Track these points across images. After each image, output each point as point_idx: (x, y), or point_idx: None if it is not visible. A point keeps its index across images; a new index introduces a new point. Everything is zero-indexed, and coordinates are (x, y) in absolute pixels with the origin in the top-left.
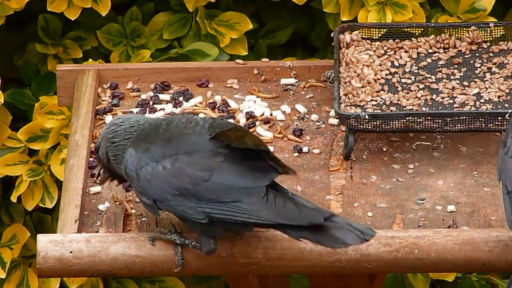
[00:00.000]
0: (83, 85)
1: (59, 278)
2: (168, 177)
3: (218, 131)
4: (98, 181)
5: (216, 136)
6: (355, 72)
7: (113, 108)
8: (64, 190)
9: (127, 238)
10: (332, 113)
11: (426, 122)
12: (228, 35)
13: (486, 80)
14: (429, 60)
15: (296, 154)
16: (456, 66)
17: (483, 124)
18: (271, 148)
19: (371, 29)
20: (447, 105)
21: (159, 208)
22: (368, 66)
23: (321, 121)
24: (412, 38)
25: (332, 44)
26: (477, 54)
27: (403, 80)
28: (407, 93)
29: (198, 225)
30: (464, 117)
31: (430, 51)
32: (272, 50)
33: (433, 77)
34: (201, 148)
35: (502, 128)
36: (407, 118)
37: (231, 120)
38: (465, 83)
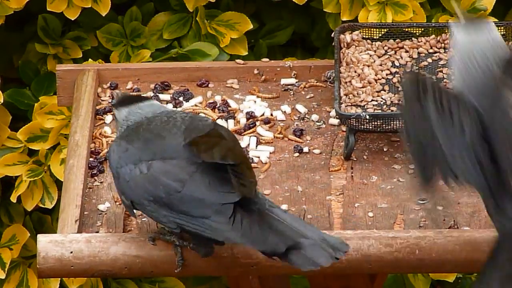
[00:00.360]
0: (83, 85)
1: (59, 279)
2: (144, 182)
3: (192, 137)
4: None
5: (189, 144)
6: (355, 72)
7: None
8: (64, 190)
9: (127, 239)
10: (333, 113)
11: None
12: (228, 35)
13: None
14: (429, 60)
15: (297, 154)
16: None
17: None
18: (271, 148)
19: (372, 29)
20: None
21: (136, 209)
22: (368, 66)
23: (322, 121)
24: (413, 38)
25: (333, 44)
26: None
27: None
28: None
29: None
30: None
31: (431, 51)
32: (272, 50)
33: (433, 77)
34: (176, 155)
35: None
36: None
37: (231, 121)
38: None
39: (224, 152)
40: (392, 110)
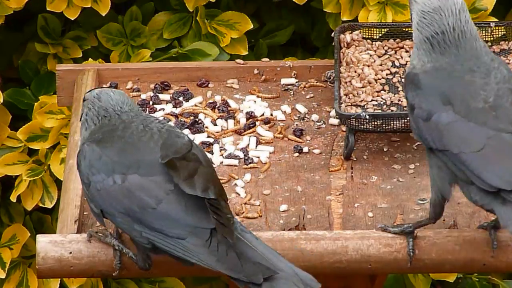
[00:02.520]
0: (83, 85)
1: (59, 279)
2: (118, 194)
3: (170, 158)
4: None
5: (167, 164)
6: (355, 72)
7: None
8: (63, 190)
9: (126, 239)
10: (333, 113)
11: None
12: (229, 35)
13: None
14: None
15: (297, 154)
16: None
17: None
18: (271, 148)
19: (372, 29)
20: None
21: (105, 217)
22: (368, 66)
23: (322, 121)
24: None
25: (333, 44)
26: None
27: (403, 80)
28: None
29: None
30: None
31: None
32: (272, 50)
33: None
34: (153, 171)
35: None
36: (408, 118)
37: (231, 121)
38: None
39: (205, 183)
40: (392, 110)
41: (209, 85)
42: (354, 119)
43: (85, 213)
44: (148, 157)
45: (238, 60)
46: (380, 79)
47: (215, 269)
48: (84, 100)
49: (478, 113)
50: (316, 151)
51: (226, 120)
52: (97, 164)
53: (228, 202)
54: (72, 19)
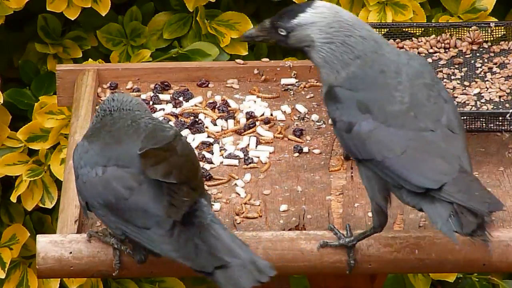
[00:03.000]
0: (83, 85)
1: (59, 279)
2: (98, 185)
3: (146, 149)
4: None
5: (141, 155)
6: None
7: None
8: (64, 190)
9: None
10: None
11: None
12: (228, 35)
13: (487, 80)
14: (429, 60)
15: (297, 154)
16: (456, 66)
17: (484, 124)
18: (271, 148)
19: None
20: None
21: (90, 210)
22: None
23: (322, 121)
24: (413, 38)
25: None
26: (477, 54)
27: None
28: None
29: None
30: (465, 117)
31: (431, 51)
32: (272, 50)
33: None
34: (131, 163)
35: (503, 128)
36: None
37: (231, 121)
38: (466, 83)
39: (168, 169)
40: None
41: (209, 85)
42: None
43: None
44: (129, 149)
45: (238, 60)
46: None
47: (171, 257)
48: None
49: (396, 117)
50: (316, 151)
51: (226, 120)
52: (85, 157)
53: (197, 190)
54: (72, 19)
